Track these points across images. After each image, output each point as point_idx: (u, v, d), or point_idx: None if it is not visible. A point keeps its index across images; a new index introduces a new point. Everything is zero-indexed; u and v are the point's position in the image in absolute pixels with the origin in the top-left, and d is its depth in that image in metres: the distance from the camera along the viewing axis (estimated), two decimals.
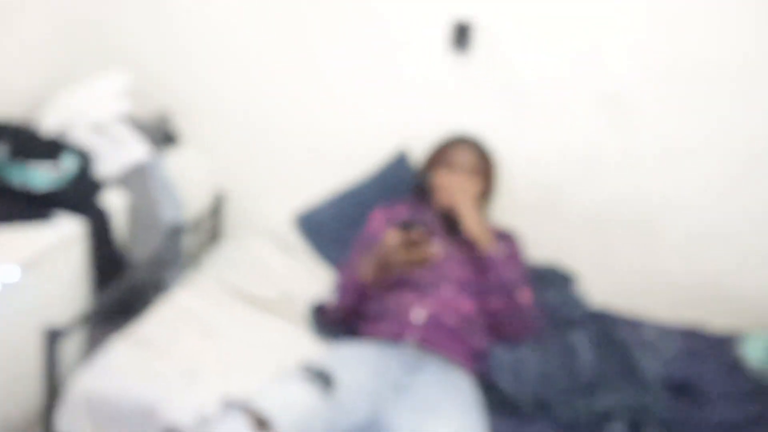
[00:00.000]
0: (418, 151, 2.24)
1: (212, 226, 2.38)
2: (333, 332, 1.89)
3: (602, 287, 2.25)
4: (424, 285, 1.84)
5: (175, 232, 2.16)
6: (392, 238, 1.73)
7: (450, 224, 1.99)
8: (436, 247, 1.75)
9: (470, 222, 1.92)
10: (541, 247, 2.25)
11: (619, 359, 1.85)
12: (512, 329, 1.86)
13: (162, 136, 2.24)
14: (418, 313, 1.78)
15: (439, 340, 1.75)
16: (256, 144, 2.38)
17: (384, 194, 2.22)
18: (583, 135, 2.21)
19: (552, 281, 2.18)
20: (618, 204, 2.23)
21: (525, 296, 1.87)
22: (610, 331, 1.97)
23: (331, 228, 2.24)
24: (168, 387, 1.60)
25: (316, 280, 2.14)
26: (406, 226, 1.71)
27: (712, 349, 2.07)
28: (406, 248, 1.70)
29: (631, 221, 2.24)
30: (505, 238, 2.04)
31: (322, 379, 1.53)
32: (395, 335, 1.75)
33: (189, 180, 2.28)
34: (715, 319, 2.20)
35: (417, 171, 2.18)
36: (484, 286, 1.87)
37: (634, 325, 2.15)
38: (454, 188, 1.97)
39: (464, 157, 2.05)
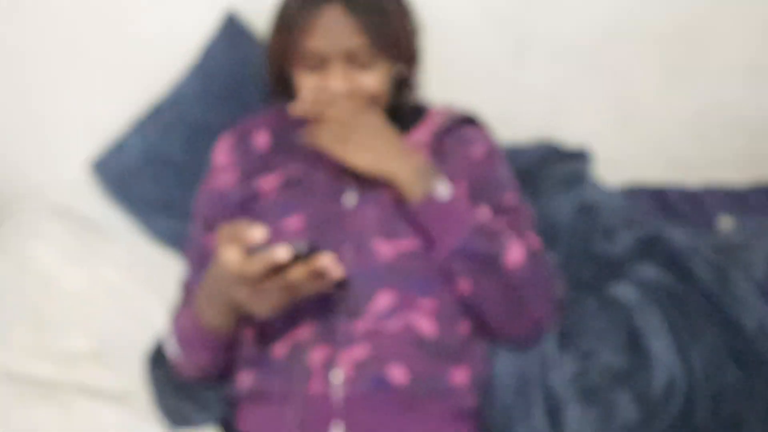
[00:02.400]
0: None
1: None
2: (190, 411, 1.01)
3: (627, 156, 1.36)
4: (337, 303, 0.94)
5: None
6: (230, 257, 0.81)
7: None
8: (336, 264, 0.84)
9: (363, 164, 0.97)
10: (515, 122, 1.31)
11: (718, 326, 1.01)
12: (510, 326, 0.99)
13: None
14: (335, 375, 0.90)
15: (385, 420, 0.89)
16: None
17: (219, 96, 1.24)
18: None
19: (554, 176, 1.28)
20: (626, 18, 1.26)
21: (518, 253, 0.96)
22: (676, 253, 1.11)
23: (151, 176, 1.27)
24: None
25: (147, 286, 1.21)
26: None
27: None
28: (266, 277, 0.81)
29: (651, 38, 1.29)
30: (459, 131, 1.11)
31: None
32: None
33: None
34: None
35: (263, 54, 1.11)
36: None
37: (698, 209, 1.30)
38: (325, 129, 0.98)
39: (335, 36, 0.99)
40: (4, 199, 1.37)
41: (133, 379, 1.08)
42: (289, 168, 1.05)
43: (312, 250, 0.82)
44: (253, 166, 1.08)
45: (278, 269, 0.82)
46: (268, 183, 1.05)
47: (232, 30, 1.24)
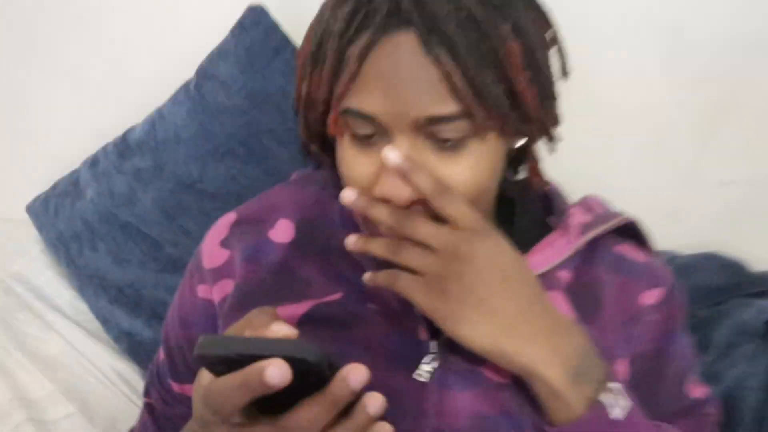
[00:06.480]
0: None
1: None
2: None
3: None
4: None
5: None
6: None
7: None
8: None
9: (475, 341, 0.51)
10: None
11: None
12: None
13: None
14: None
15: None
16: None
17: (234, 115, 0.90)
18: None
19: (738, 322, 0.81)
20: None
21: None
22: None
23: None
24: None
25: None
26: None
27: None
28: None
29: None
30: (613, 250, 0.63)
31: None
32: None
33: None
34: None
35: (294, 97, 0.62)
36: None
37: None
38: (401, 256, 0.51)
39: (403, 90, 0.49)
40: None
41: None
42: (321, 291, 0.60)
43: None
44: (261, 281, 0.62)
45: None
46: (284, 313, 0.59)
47: (259, 23, 0.87)
